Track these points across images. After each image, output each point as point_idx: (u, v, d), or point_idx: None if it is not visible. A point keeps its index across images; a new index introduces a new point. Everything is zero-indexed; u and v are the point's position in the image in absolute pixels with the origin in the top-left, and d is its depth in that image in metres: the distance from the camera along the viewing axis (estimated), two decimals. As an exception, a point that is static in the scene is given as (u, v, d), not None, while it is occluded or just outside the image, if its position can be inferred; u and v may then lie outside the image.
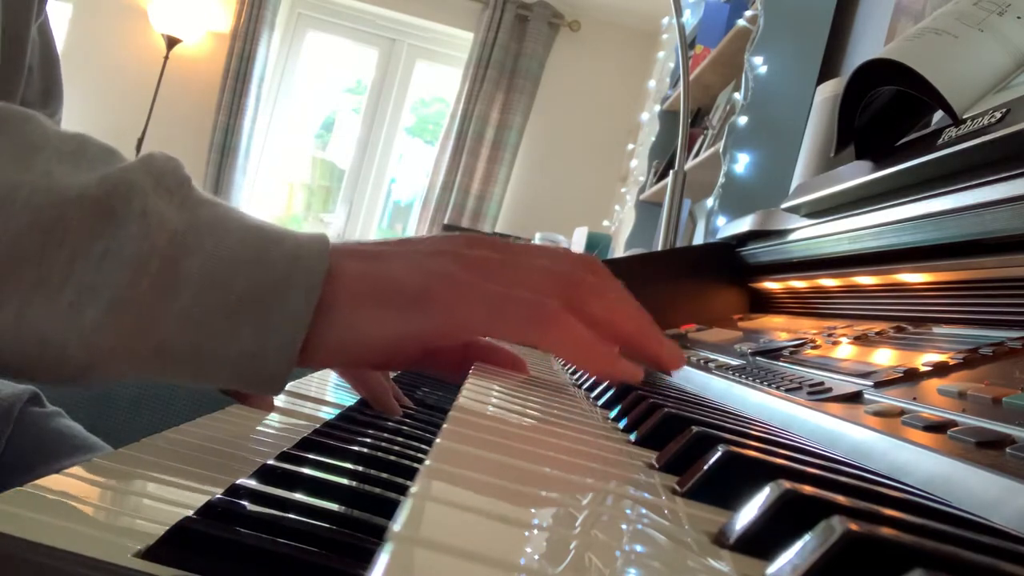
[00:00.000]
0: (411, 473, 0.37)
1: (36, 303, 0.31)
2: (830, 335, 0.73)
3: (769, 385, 0.59)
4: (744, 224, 1.12)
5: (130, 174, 0.33)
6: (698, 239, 2.61)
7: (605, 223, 4.27)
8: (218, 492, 0.30)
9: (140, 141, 4.34)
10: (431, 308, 0.38)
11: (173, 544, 0.25)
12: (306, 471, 0.35)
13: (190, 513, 0.27)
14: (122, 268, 0.32)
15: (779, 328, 0.89)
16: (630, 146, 4.31)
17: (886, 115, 0.78)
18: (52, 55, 0.67)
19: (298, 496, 0.31)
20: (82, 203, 0.32)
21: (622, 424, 0.40)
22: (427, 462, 0.23)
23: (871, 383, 0.51)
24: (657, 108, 3.49)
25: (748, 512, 0.21)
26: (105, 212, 0.32)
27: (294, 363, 0.36)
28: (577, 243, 3.40)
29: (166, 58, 4.44)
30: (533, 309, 0.39)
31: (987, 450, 0.35)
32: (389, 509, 0.30)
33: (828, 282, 0.89)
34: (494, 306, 0.38)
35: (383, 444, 0.43)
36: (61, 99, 0.69)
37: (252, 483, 0.32)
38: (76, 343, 0.31)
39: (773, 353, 0.72)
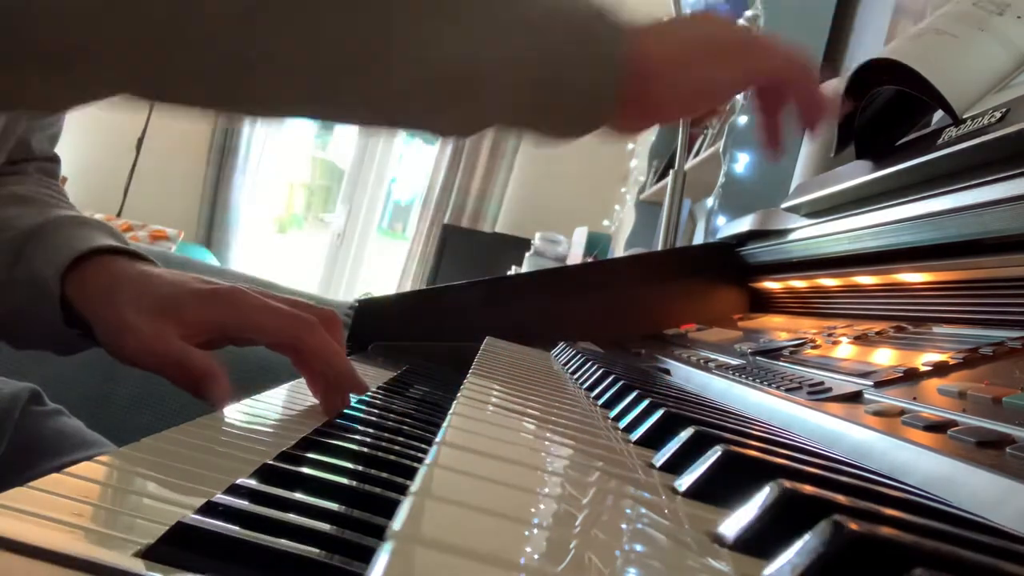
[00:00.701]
0: (411, 473, 0.37)
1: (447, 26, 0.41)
2: (830, 335, 0.73)
3: (769, 385, 0.59)
4: (744, 224, 1.12)
5: None
6: (698, 239, 2.61)
7: (605, 223, 4.26)
8: (218, 492, 0.30)
9: (140, 141, 4.34)
10: (747, 54, 0.52)
11: (173, 544, 0.25)
12: (306, 471, 0.35)
13: (190, 513, 0.27)
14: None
15: (779, 328, 0.89)
16: (630, 146, 4.31)
17: (886, 115, 0.78)
18: None
19: (298, 496, 0.31)
20: None
21: (622, 424, 0.40)
22: (427, 462, 0.23)
23: (871, 383, 0.51)
24: (657, 108, 3.48)
25: (748, 512, 0.21)
26: None
27: (615, 83, 0.44)
28: (577, 243, 3.40)
29: (166, 58, 4.43)
30: (798, 53, 0.55)
31: (987, 450, 0.35)
32: (389, 509, 0.30)
33: (828, 282, 0.89)
34: (785, 55, 0.54)
35: (383, 444, 0.43)
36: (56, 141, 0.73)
37: (252, 483, 0.32)
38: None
39: (773, 353, 0.72)
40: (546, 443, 0.31)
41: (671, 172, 1.78)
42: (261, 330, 0.53)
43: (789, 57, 0.54)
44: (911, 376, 0.50)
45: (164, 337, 0.52)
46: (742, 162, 2.04)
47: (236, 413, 0.48)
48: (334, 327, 0.55)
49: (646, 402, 0.39)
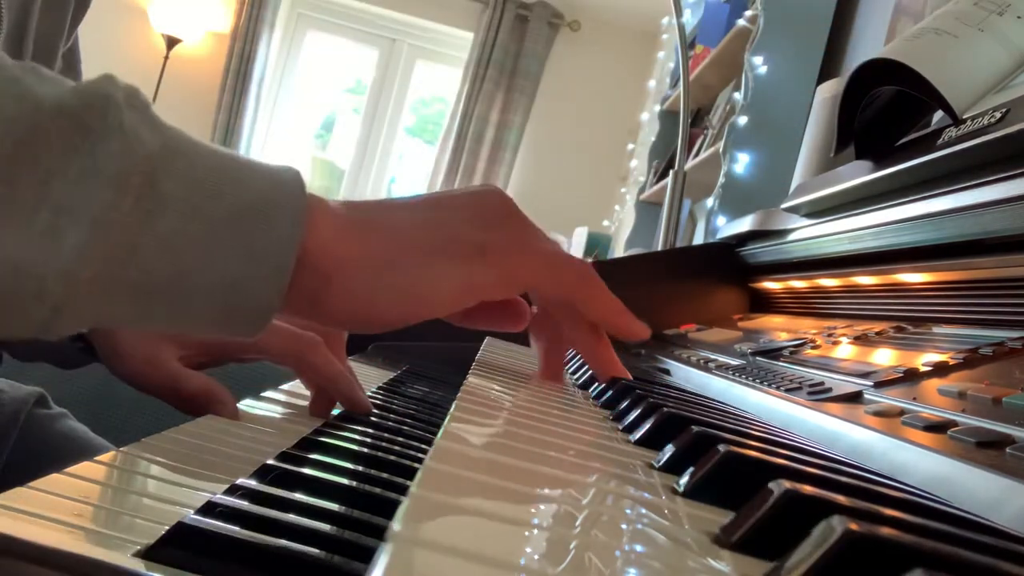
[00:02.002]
0: (411, 473, 0.37)
1: (7, 228, 0.27)
2: (830, 335, 0.73)
3: (769, 385, 0.59)
4: (744, 224, 1.12)
5: (102, 86, 0.31)
6: (698, 239, 2.61)
7: (605, 223, 4.26)
8: (218, 492, 0.30)
9: (140, 141, 4.34)
10: (490, 259, 0.39)
11: (173, 544, 0.25)
12: (306, 471, 0.35)
13: (190, 513, 0.27)
14: (103, 187, 0.29)
15: (779, 328, 0.89)
16: (630, 146, 4.31)
17: (886, 115, 0.78)
18: (76, 79, 0.67)
19: (298, 496, 0.31)
20: (59, 114, 0.29)
21: (622, 424, 0.40)
22: (427, 462, 0.23)
23: (871, 383, 0.51)
24: (657, 108, 3.49)
25: (748, 512, 0.21)
26: (82, 126, 0.29)
27: (282, 294, 0.33)
28: (577, 243, 3.40)
29: (166, 58, 4.44)
30: (582, 267, 0.44)
31: (987, 450, 0.35)
32: (389, 509, 0.30)
33: (828, 282, 0.89)
34: (550, 264, 0.41)
35: (383, 444, 0.43)
36: None
37: (252, 483, 0.32)
38: (54, 273, 0.28)
39: (773, 353, 0.72)
40: (546, 444, 0.31)
41: (671, 172, 1.78)
42: (263, 349, 0.51)
43: (554, 262, 0.42)
44: (911, 376, 0.50)
45: (155, 362, 0.51)
46: (742, 162, 2.04)
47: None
48: (336, 342, 0.54)
49: (646, 403, 0.39)
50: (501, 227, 0.40)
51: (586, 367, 0.64)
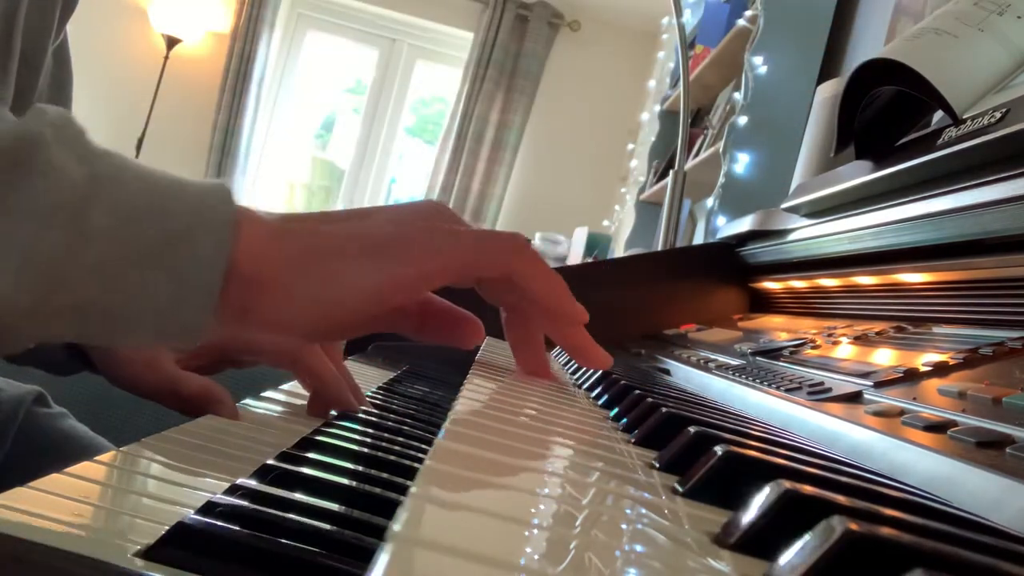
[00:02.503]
0: (411, 473, 0.37)
1: None
2: (830, 335, 0.73)
3: (769, 385, 0.59)
4: (744, 224, 1.12)
5: (31, 124, 0.32)
6: (698, 239, 2.61)
7: (605, 223, 4.26)
8: (218, 492, 0.30)
9: (140, 141, 4.34)
10: (412, 252, 0.38)
11: (173, 544, 0.25)
12: (306, 471, 0.35)
13: (190, 513, 0.27)
14: (31, 222, 0.31)
15: (779, 328, 0.89)
16: (630, 146, 4.31)
17: (886, 115, 0.78)
18: (66, 79, 0.67)
19: (298, 496, 0.31)
20: None
21: (622, 424, 0.40)
22: (427, 462, 0.23)
23: (871, 383, 0.51)
24: (657, 108, 3.49)
25: (748, 512, 0.22)
26: (13, 165, 0.31)
27: (210, 314, 0.34)
28: (577, 243, 3.40)
29: (166, 58, 4.44)
30: (513, 239, 0.41)
31: (987, 450, 0.35)
32: (389, 509, 0.30)
33: (828, 282, 0.89)
34: (475, 242, 0.40)
35: (383, 444, 0.43)
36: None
37: (252, 483, 0.32)
38: None
39: (773, 353, 0.72)
40: (546, 443, 0.31)
41: (671, 172, 1.78)
42: (259, 353, 0.52)
43: (478, 240, 0.41)
44: (911, 376, 0.50)
45: (154, 365, 0.51)
46: (742, 162, 2.04)
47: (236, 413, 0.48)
48: (333, 343, 0.55)
49: (646, 402, 0.39)
50: (426, 220, 0.40)
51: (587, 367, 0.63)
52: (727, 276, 1.15)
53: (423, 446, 0.44)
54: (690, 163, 2.46)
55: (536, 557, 0.17)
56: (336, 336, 0.49)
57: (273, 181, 4.94)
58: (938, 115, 0.75)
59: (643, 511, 0.23)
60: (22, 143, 0.31)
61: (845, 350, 0.66)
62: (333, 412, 0.52)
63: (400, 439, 0.45)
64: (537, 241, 3.63)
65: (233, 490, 0.31)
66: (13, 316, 0.31)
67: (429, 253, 0.39)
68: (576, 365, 0.67)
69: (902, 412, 0.43)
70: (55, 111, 0.34)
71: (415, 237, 0.39)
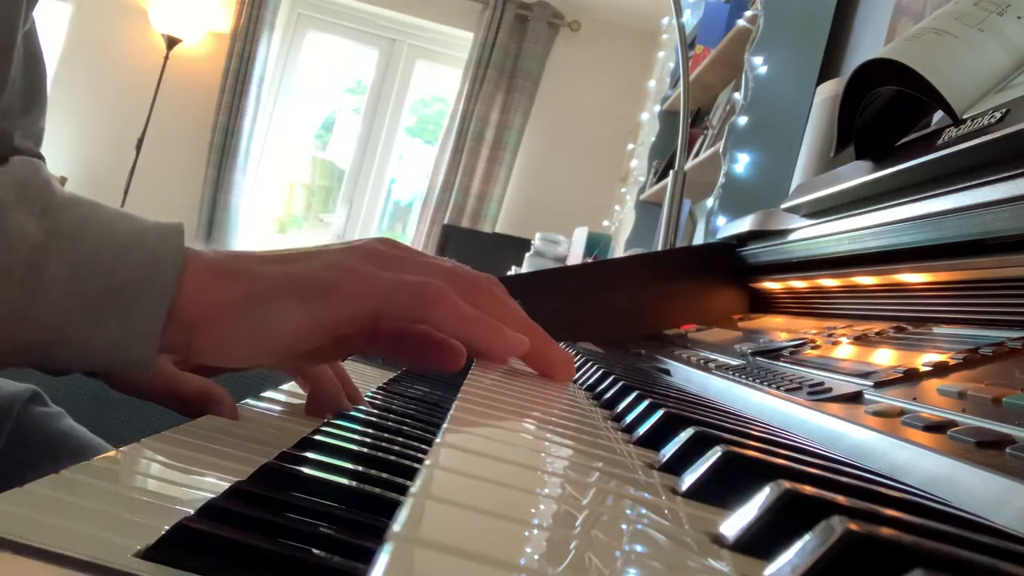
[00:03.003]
0: (411, 473, 0.37)
1: None
2: (830, 335, 0.73)
3: (769, 385, 0.59)
4: (744, 224, 1.12)
5: None
6: (698, 239, 2.61)
7: (605, 223, 4.27)
8: (218, 492, 0.30)
9: (140, 141, 4.34)
10: (332, 298, 0.41)
11: (173, 544, 0.25)
12: (306, 471, 0.35)
13: (190, 513, 0.27)
14: None
15: (779, 328, 0.89)
16: (630, 146, 4.31)
17: (886, 115, 0.78)
18: (37, 63, 0.67)
19: (298, 496, 0.31)
20: None
21: (622, 424, 0.40)
22: (427, 462, 0.23)
23: (871, 383, 0.51)
24: (657, 108, 3.49)
25: (748, 512, 0.22)
26: None
27: (155, 350, 0.39)
28: (577, 243, 3.40)
29: (166, 58, 4.44)
30: (419, 288, 0.42)
31: (987, 450, 0.35)
32: (389, 509, 0.30)
33: (828, 282, 0.89)
34: (386, 291, 0.42)
35: (383, 444, 0.43)
36: (44, 105, 0.69)
37: (252, 483, 0.32)
38: None
39: (773, 353, 0.72)
40: (546, 444, 0.31)
41: (671, 172, 1.78)
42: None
43: (389, 289, 0.42)
44: (911, 376, 0.50)
45: (154, 366, 0.52)
46: (742, 162, 2.04)
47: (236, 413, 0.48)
48: None
49: (646, 403, 0.39)
50: (352, 268, 0.42)
51: (587, 368, 0.64)
52: (727, 276, 1.16)
53: (423, 446, 0.44)
54: (690, 163, 2.46)
55: (536, 557, 0.17)
56: (279, 365, 0.51)
57: (273, 181, 4.94)
58: (938, 115, 0.75)
59: (643, 511, 0.23)
60: None
61: (845, 350, 0.66)
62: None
63: (400, 439, 0.45)
64: (537, 241, 3.63)
65: (233, 490, 0.31)
66: None
67: (346, 297, 0.41)
68: (576, 365, 0.67)
69: (902, 412, 0.43)
70: (23, 168, 0.39)
71: (338, 281, 0.42)
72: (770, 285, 1.08)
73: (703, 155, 2.45)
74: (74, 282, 0.37)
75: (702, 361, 0.79)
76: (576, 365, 0.66)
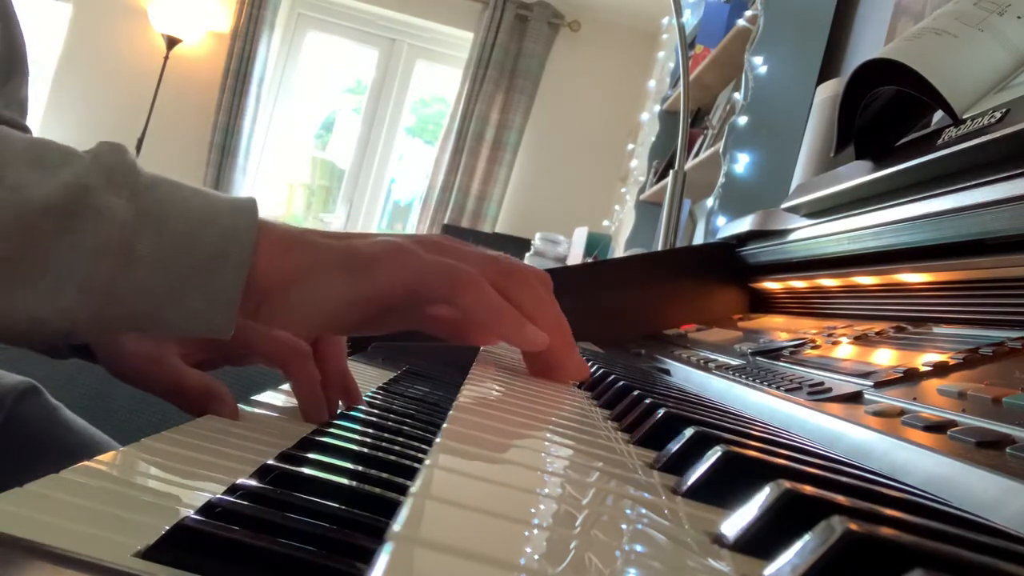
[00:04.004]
0: (411, 473, 0.37)
1: (22, 291, 0.38)
2: (830, 335, 0.73)
3: (769, 385, 0.59)
4: (744, 224, 1.12)
5: (84, 178, 0.39)
6: (698, 239, 2.61)
7: (605, 223, 4.26)
8: (218, 492, 0.30)
9: (140, 141, 4.34)
10: (373, 272, 0.44)
11: (173, 544, 0.25)
12: (306, 471, 0.35)
13: (190, 513, 0.27)
14: (86, 257, 0.39)
15: (779, 328, 0.89)
16: (630, 146, 4.31)
17: (886, 115, 0.78)
18: (15, 32, 0.68)
19: (298, 496, 0.31)
20: (48, 212, 0.38)
21: (622, 424, 0.40)
22: (427, 462, 0.23)
23: (871, 383, 0.51)
24: (657, 108, 3.49)
25: (748, 512, 0.22)
26: (68, 215, 0.39)
27: (235, 318, 0.42)
28: (577, 243, 3.40)
29: (166, 58, 4.44)
30: (451, 271, 0.45)
31: (987, 450, 0.35)
32: (389, 509, 0.30)
33: (828, 282, 0.89)
34: (421, 269, 0.44)
35: (383, 444, 0.43)
36: (25, 74, 0.70)
37: (252, 483, 0.32)
38: (57, 318, 0.39)
39: (773, 353, 0.72)
40: (546, 444, 0.31)
41: (671, 172, 1.78)
42: (256, 354, 0.53)
43: (425, 268, 0.45)
44: (911, 376, 0.50)
45: (158, 359, 0.52)
46: (742, 162, 2.04)
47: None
48: (336, 345, 0.55)
49: (646, 402, 0.39)
50: (398, 247, 0.45)
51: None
52: (727, 276, 1.16)
53: (423, 446, 0.44)
54: (690, 163, 2.46)
55: (536, 557, 0.17)
56: (339, 331, 0.53)
57: (273, 181, 4.94)
58: (938, 115, 0.75)
59: (643, 511, 0.23)
60: (72, 196, 0.39)
61: (845, 350, 0.66)
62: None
63: (400, 439, 0.45)
64: (537, 241, 3.63)
65: (233, 490, 0.31)
66: (75, 325, 0.39)
67: (385, 273, 0.44)
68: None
69: (902, 412, 0.43)
70: (111, 152, 0.41)
71: (380, 257, 0.44)
72: (770, 285, 1.08)
73: (703, 155, 2.45)
74: (161, 258, 0.40)
75: (702, 361, 0.79)
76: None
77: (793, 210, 0.96)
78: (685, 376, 0.76)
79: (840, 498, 0.22)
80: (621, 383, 0.48)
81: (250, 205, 0.44)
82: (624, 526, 0.22)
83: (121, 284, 0.39)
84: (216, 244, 0.41)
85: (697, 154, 2.57)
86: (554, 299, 0.50)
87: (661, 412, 0.36)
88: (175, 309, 0.41)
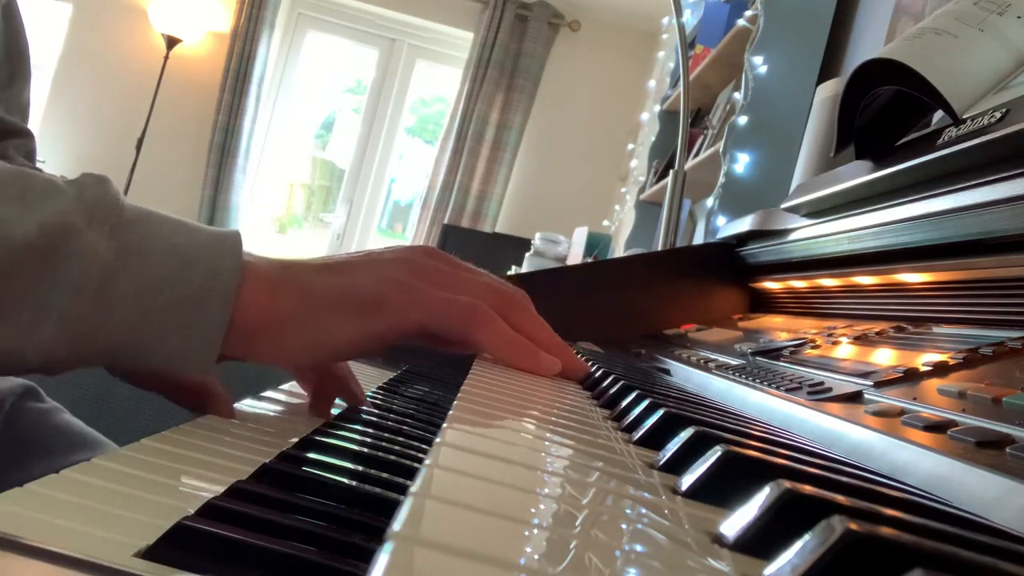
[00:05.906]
0: (411, 473, 0.37)
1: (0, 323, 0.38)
2: (830, 335, 0.73)
3: (769, 385, 0.59)
4: (744, 224, 1.12)
5: (66, 216, 0.39)
6: (698, 239, 2.61)
7: (605, 223, 4.26)
8: (218, 492, 0.30)
9: (140, 141, 4.34)
10: (384, 311, 0.45)
11: (173, 544, 0.25)
12: (306, 471, 0.35)
13: (190, 512, 0.27)
14: (65, 295, 0.39)
15: (779, 328, 0.89)
16: (630, 146, 4.31)
17: (886, 115, 0.78)
18: (19, 37, 0.68)
19: (298, 496, 0.31)
20: (29, 250, 0.38)
21: (622, 424, 0.40)
22: (427, 462, 0.23)
23: (871, 383, 0.51)
24: (657, 108, 3.49)
25: (748, 512, 0.21)
26: (49, 253, 0.38)
27: (214, 359, 0.42)
28: (577, 243, 3.40)
29: (166, 58, 4.44)
30: (468, 310, 0.46)
31: (987, 450, 0.35)
32: (389, 509, 0.30)
33: (828, 282, 0.89)
34: (437, 308, 0.45)
35: (383, 444, 0.43)
36: (28, 78, 0.70)
37: (252, 483, 0.32)
38: (33, 353, 0.39)
39: (773, 353, 0.72)
40: (546, 443, 0.31)
41: (671, 172, 1.78)
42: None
43: (438, 308, 0.45)
44: (911, 376, 0.50)
45: None
46: (742, 162, 2.04)
47: (236, 413, 0.48)
48: None
49: (646, 402, 0.39)
50: (403, 282, 0.46)
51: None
52: (727, 276, 1.15)
53: (423, 446, 0.44)
54: (690, 163, 2.46)
55: (536, 557, 0.17)
56: (343, 360, 0.54)
57: (273, 181, 4.94)
58: (938, 115, 0.75)
59: (643, 511, 0.23)
60: (54, 234, 0.38)
61: (845, 350, 0.66)
62: (334, 412, 0.52)
63: (400, 439, 0.45)
64: (537, 241, 3.63)
65: (233, 490, 0.31)
66: (51, 360, 0.39)
67: (397, 311, 0.45)
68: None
69: (902, 412, 0.43)
70: (94, 186, 0.41)
71: (390, 295, 0.45)
72: (770, 285, 1.08)
73: (703, 155, 2.44)
74: (141, 298, 0.40)
75: (702, 361, 0.79)
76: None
77: (793, 210, 0.96)
78: (685, 376, 0.76)
79: (840, 498, 0.22)
80: (621, 383, 0.48)
81: (234, 241, 0.44)
82: (624, 526, 0.22)
83: (100, 322, 0.39)
84: (198, 283, 0.41)
85: (697, 154, 2.57)
86: (540, 318, 0.52)
87: (661, 412, 0.36)
88: (154, 347, 0.41)
